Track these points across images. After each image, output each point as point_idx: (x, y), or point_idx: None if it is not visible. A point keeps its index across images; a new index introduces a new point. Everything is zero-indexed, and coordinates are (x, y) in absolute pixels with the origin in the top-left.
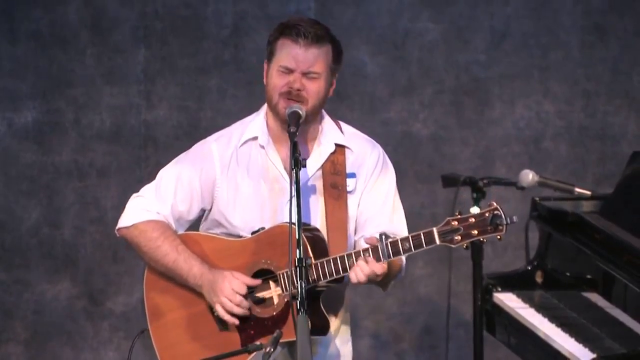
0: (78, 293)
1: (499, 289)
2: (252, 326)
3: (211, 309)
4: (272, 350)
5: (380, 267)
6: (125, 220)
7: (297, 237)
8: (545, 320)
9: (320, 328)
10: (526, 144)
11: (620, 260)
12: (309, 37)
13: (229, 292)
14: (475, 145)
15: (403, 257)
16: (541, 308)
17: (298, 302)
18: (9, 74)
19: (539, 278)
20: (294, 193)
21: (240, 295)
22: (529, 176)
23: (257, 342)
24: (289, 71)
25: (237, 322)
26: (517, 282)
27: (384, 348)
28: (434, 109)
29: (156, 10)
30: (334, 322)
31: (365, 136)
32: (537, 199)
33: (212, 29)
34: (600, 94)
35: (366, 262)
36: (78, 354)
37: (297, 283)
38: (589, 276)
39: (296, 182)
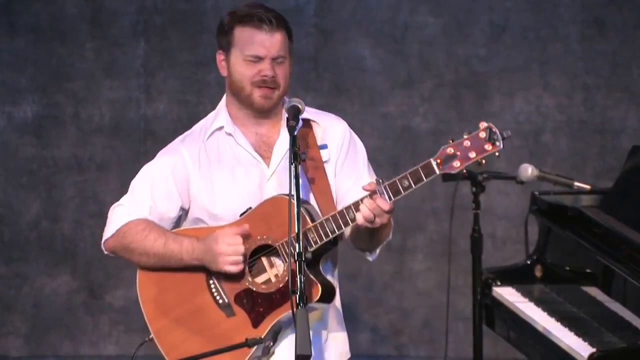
0: (77, 287)
1: (499, 283)
2: (260, 304)
3: (214, 298)
4: (271, 344)
5: (386, 203)
6: (109, 229)
7: (297, 231)
8: (545, 314)
9: (329, 291)
10: (526, 137)
11: (620, 255)
12: (272, 22)
13: (225, 247)
14: None
15: (391, 220)
16: (540, 302)
17: (297, 296)
18: (8, 68)
19: (538, 272)
20: (294, 186)
21: (235, 243)
22: (528, 170)
23: (267, 320)
24: (258, 59)
25: (240, 268)
26: (516, 276)
27: (384, 342)
28: (433, 103)
29: (155, 4)
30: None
31: (327, 112)
32: (536, 193)
33: (212, 23)
34: (600, 88)
35: (372, 199)
36: (77, 347)
37: (297, 277)
38: (588, 270)
39: (295, 176)
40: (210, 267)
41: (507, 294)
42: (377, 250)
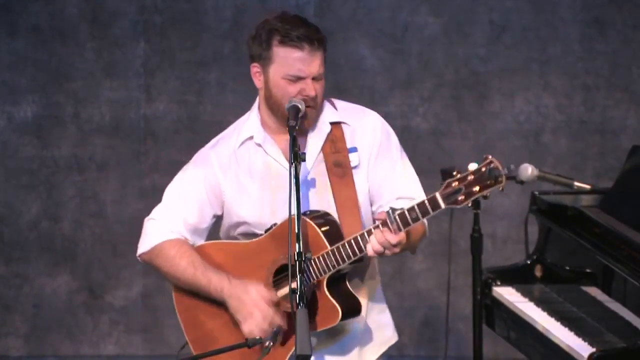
0: (78, 287)
1: (499, 283)
2: (287, 323)
3: None
4: (271, 344)
5: (393, 237)
6: (144, 245)
7: (296, 231)
8: (545, 314)
9: (352, 310)
10: (526, 137)
11: (620, 254)
12: (315, 44)
13: (260, 320)
14: (475, 139)
15: (425, 220)
16: (540, 302)
17: (297, 296)
18: (8, 68)
19: (538, 272)
20: (294, 186)
21: (269, 318)
22: (528, 170)
23: (294, 338)
24: (299, 79)
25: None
26: (516, 276)
27: None
28: (433, 103)
29: (155, 4)
30: (362, 291)
31: (359, 107)
32: (536, 193)
33: (212, 23)
34: (599, 88)
35: (381, 232)
36: (77, 347)
37: (297, 277)
38: (588, 270)
39: (295, 176)
40: (232, 313)
41: (507, 294)
42: (417, 248)
